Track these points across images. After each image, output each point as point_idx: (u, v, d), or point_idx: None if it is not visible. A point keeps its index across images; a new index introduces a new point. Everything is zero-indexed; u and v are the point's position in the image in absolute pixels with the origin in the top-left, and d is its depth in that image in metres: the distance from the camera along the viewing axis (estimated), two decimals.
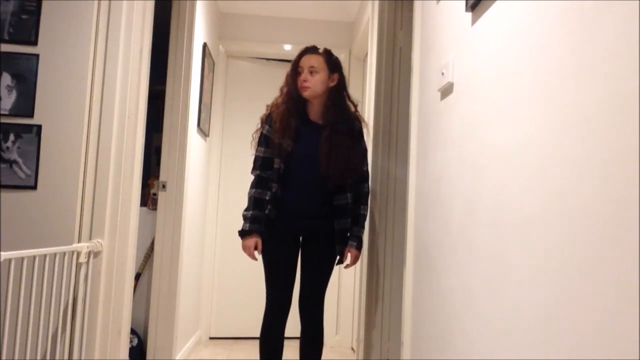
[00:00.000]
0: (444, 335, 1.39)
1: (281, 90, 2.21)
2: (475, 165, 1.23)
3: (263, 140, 2.16)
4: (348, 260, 2.22)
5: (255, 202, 2.12)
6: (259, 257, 2.18)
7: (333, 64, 2.19)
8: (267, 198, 2.12)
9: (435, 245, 1.52)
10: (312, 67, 2.13)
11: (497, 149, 1.11)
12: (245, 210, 2.14)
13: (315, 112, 2.19)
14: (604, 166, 0.73)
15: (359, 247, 2.22)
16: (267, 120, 2.18)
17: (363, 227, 2.27)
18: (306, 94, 2.13)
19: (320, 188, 2.14)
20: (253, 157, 2.20)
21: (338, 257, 2.22)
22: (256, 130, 2.21)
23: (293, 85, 2.14)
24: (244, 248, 2.12)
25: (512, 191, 1.02)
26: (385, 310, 2.41)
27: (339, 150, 2.10)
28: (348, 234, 2.22)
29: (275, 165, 2.12)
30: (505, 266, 1.04)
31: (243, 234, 2.11)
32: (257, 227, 2.10)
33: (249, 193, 2.15)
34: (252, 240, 2.10)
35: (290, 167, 2.12)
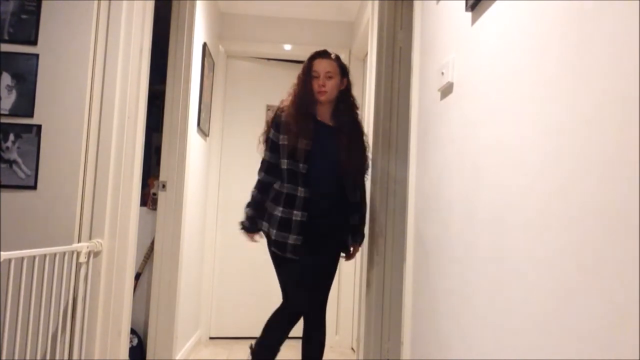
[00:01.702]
0: (443, 335, 1.39)
1: (292, 93, 2.23)
2: (475, 165, 1.23)
3: (270, 145, 2.21)
4: (349, 257, 2.39)
5: (256, 204, 2.24)
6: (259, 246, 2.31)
7: (343, 69, 2.26)
8: (265, 200, 2.23)
9: (435, 245, 1.52)
10: (328, 72, 2.18)
11: (497, 148, 1.11)
12: (248, 206, 2.26)
13: (324, 114, 2.24)
14: (604, 166, 0.73)
15: (361, 243, 2.41)
16: (272, 123, 2.20)
17: (365, 224, 2.41)
18: (323, 98, 2.18)
19: (335, 187, 2.20)
20: (261, 159, 2.28)
21: (343, 253, 2.35)
22: (263, 133, 2.25)
23: (308, 88, 2.17)
24: (248, 240, 2.32)
25: (512, 191, 1.02)
26: (385, 310, 2.41)
27: (355, 148, 2.20)
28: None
29: (284, 167, 2.15)
30: (505, 266, 1.04)
31: (243, 228, 2.28)
32: (255, 227, 2.25)
33: (253, 192, 2.27)
34: (252, 236, 2.30)
35: (307, 167, 2.14)
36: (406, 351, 1.74)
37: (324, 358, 2.29)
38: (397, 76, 2.48)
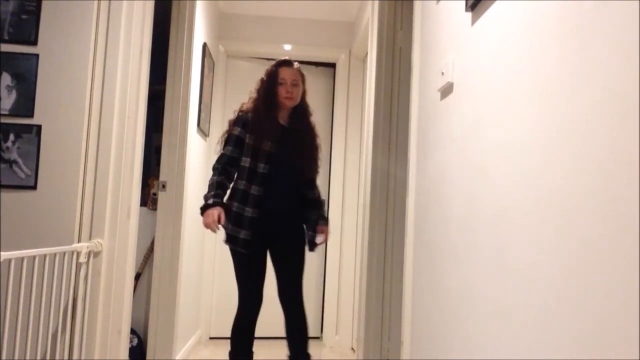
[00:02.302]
0: (444, 335, 1.39)
1: (256, 97, 2.33)
2: (475, 165, 1.23)
3: (234, 140, 2.27)
4: (322, 238, 2.37)
5: (217, 185, 2.24)
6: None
7: (303, 78, 2.41)
8: (228, 185, 2.27)
9: (435, 245, 1.52)
10: (294, 80, 2.33)
11: (497, 148, 1.11)
12: (206, 194, 2.24)
13: (283, 116, 2.37)
14: (604, 165, 0.73)
15: (327, 224, 2.43)
16: (238, 122, 2.29)
17: (325, 212, 2.51)
18: (290, 103, 2.34)
19: (292, 186, 2.33)
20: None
21: (308, 242, 2.38)
22: (224, 133, 2.34)
23: (274, 94, 2.30)
24: (207, 217, 2.16)
25: (512, 191, 1.03)
26: (385, 310, 2.41)
27: (312, 149, 2.39)
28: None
29: (244, 165, 2.24)
30: (505, 265, 1.04)
31: (205, 208, 2.19)
32: (219, 200, 2.20)
33: (210, 181, 2.28)
34: (216, 210, 2.16)
35: (269, 168, 2.25)
36: (406, 351, 1.74)
37: (324, 358, 2.31)
38: (397, 76, 2.48)
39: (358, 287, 2.97)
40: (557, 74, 0.87)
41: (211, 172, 3.60)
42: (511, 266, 1.01)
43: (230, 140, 2.28)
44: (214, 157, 3.66)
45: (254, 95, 2.34)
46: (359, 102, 3.72)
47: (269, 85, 2.31)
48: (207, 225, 2.17)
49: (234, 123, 2.31)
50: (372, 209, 2.45)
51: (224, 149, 2.30)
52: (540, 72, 0.94)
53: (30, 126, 1.90)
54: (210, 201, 2.19)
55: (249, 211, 2.20)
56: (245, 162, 2.24)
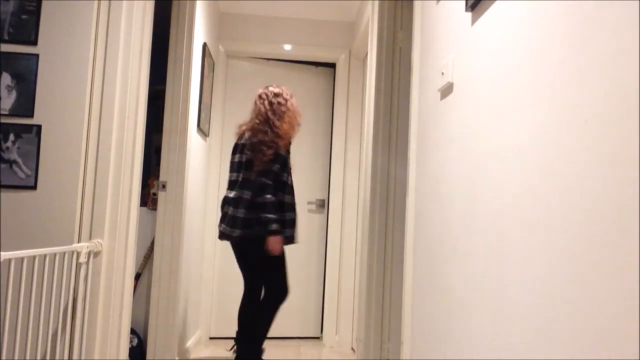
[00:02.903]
0: (444, 334, 1.39)
1: (292, 125, 2.77)
2: (475, 165, 1.23)
3: (282, 161, 2.68)
4: None
5: (277, 207, 2.64)
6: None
7: None
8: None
9: (435, 245, 1.52)
10: None
11: (497, 149, 1.11)
12: (272, 216, 2.55)
13: None
14: (604, 166, 0.73)
15: None
16: (288, 145, 2.74)
17: None
18: None
19: None
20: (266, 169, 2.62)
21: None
22: (271, 148, 2.62)
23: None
24: (279, 245, 2.60)
25: (512, 191, 1.03)
26: (385, 310, 2.41)
27: None
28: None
29: (283, 179, 2.71)
30: (505, 266, 1.04)
31: (275, 232, 2.56)
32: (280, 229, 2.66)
33: (268, 199, 2.56)
34: (281, 239, 2.64)
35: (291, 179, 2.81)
36: (406, 351, 1.74)
37: (324, 358, 2.31)
38: (397, 76, 2.48)
39: (358, 287, 2.97)
40: (558, 74, 0.87)
41: (212, 173, 3.77)
42: (511, 266, 1.01)
43: (280, 159, 2.66)
44: (214, 157, 3.73)
45: (294, 120, 2.77)
46: (359, 102, 3.72)
47: (299, 119, 2.84)
48: (276, 251, 2.57)
49: (285, 148, 2.70)
50: (372, 209, 2.45)
51: (272, 166, 2.61)
52: (540, 72, 0.94)
53: (30, 126, 1.90)
54: (276, 227, 2.54)
55: (289, 215, 2.67)
56: (284, 176, 2.70)
